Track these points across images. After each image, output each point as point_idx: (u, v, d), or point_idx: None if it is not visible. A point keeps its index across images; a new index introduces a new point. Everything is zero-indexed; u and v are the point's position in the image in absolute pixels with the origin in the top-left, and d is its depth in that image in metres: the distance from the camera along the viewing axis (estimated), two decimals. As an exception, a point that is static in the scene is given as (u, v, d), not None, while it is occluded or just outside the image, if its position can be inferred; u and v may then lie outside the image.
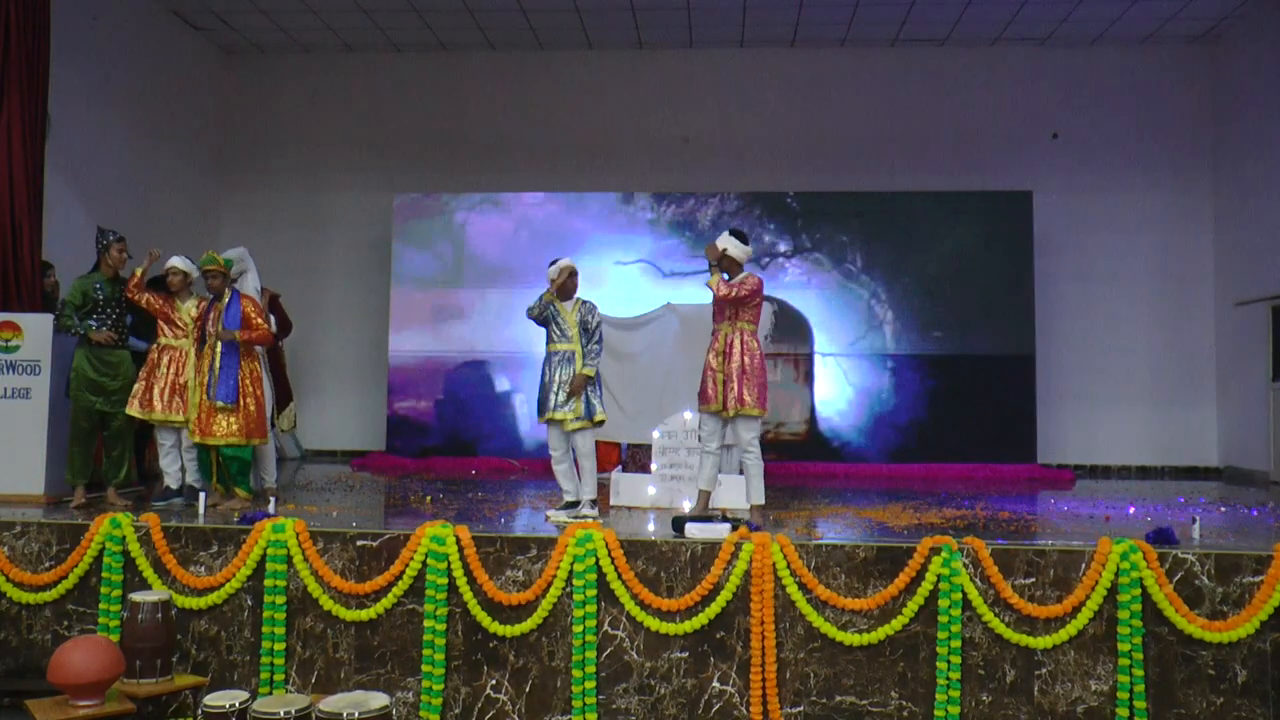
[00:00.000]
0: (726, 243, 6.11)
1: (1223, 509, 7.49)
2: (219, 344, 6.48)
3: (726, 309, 6.08)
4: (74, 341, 6.70)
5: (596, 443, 6.89)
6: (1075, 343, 11.26)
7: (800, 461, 10.54)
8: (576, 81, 11.92)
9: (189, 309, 6.69)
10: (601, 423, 6.41)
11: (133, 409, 6.53)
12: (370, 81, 12.13)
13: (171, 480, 6.71)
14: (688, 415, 7.17)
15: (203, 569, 5.46)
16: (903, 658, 5.12)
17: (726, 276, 6.07)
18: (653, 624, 5.14)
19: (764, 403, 6.05)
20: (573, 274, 6.45)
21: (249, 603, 5.39)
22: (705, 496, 6.31)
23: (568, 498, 6.45)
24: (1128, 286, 11.35)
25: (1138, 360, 11.30)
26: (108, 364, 6.60)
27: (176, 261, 6.74)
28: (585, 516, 6.21)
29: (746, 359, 6.01)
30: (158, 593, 5.12)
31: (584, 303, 6.49)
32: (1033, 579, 5.12)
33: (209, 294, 6.72)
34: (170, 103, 11.12)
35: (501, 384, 11.13)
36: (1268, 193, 10.30)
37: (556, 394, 6.31)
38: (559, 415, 6.28)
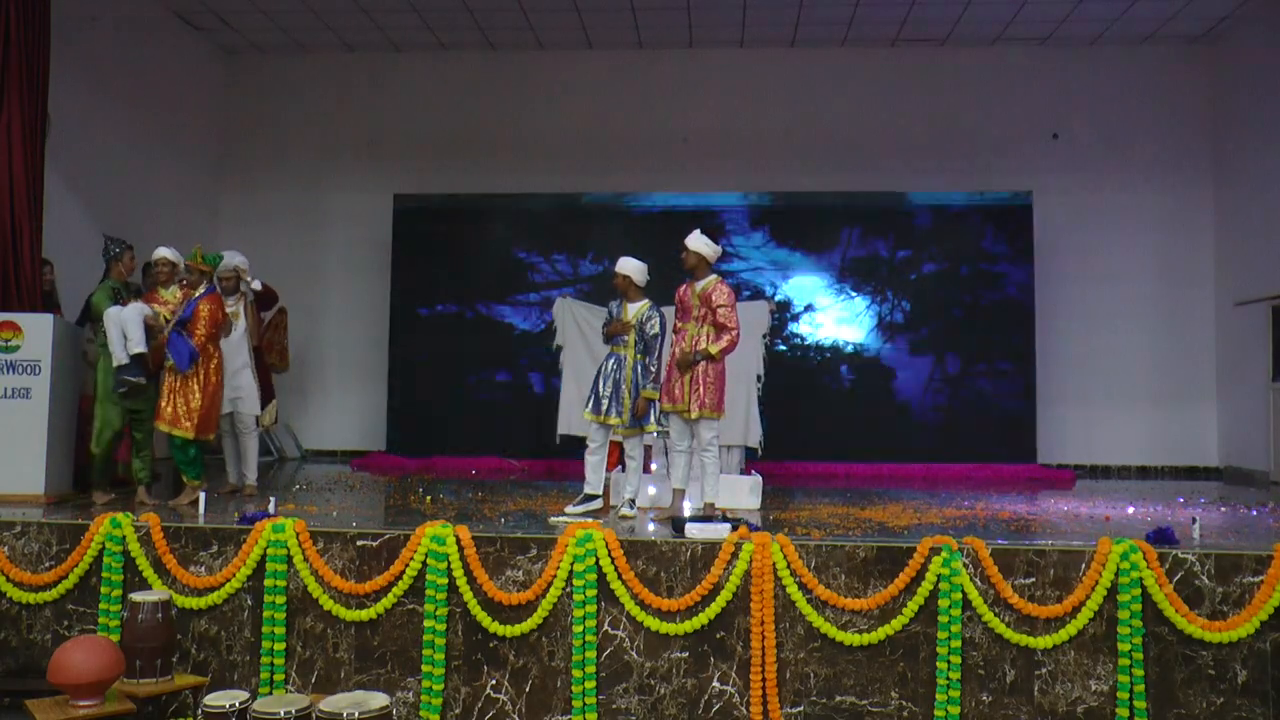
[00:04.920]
0: (699, 243, 6.14)
1: (1223, 509, 7.49)
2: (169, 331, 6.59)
3: (695, 311, 6.11)
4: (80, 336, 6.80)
5: None
6: (1075, 343, 11.24)
7: (800, 461, 10.53)
8: (576, 81, 11.91)
9: (171, 293, 6.80)
10: (651, 431, 6.58)
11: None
12: (370, 81, 12.13)
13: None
14: None
15: (203, 569, 5.46)
16: (903, 658, 5.12)
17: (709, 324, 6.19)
18: (653, 624, 5.14)
19: (722, 406, 6.16)
20: (616, 276, 6.45)
21: (249, 603, 5.39)
22: (680, 494, 6.41)
23: (588, 489, 6.52)
24: (1128, 286, 11.34)
25: (1138, 360, 11.28)
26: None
27: (166, 252, 6.85)
28: (625, 515, 6.36)
29: (712, 363, 6.09)
30: (158, 593, 5.12)
31: (650, 308, 6.39)
32: (1033, 579, 5.12)
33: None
34: (170, 103, 11.11)
35: (502, 384, 11.10)
36: (1268, 193, 10.29)
37: (602, 395, 6.38)
38: (610, 420, 6.37)
